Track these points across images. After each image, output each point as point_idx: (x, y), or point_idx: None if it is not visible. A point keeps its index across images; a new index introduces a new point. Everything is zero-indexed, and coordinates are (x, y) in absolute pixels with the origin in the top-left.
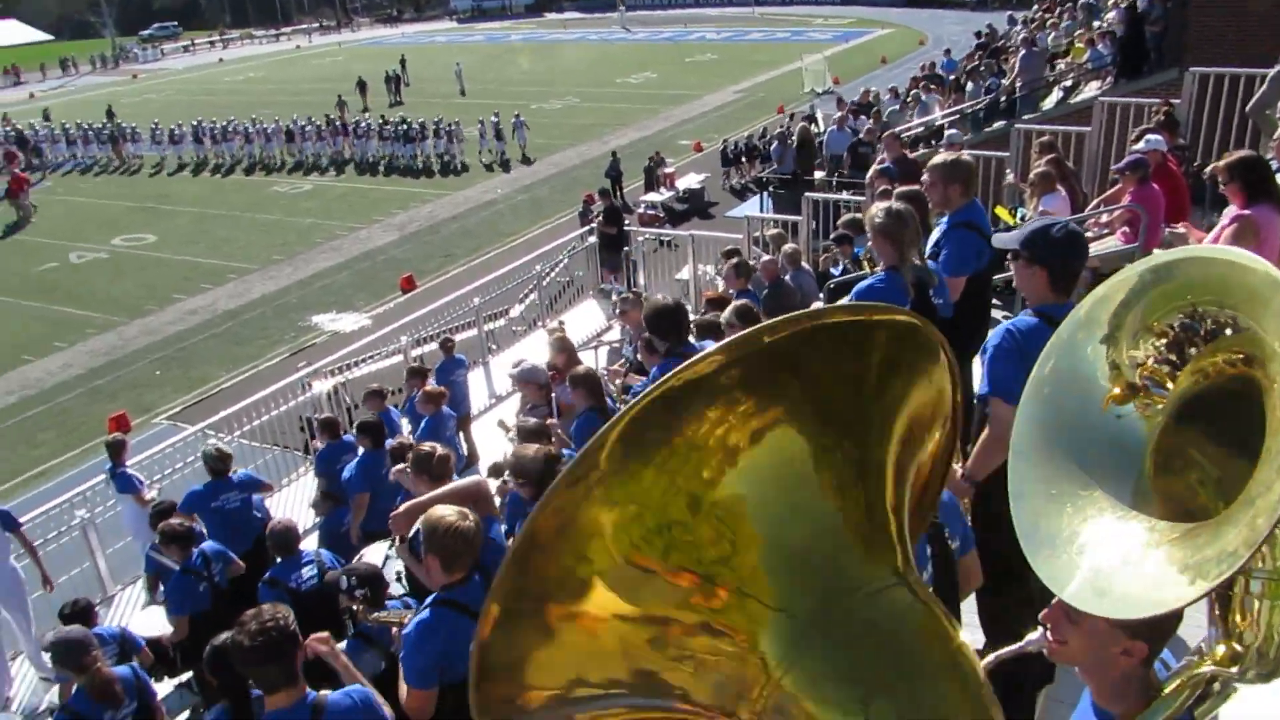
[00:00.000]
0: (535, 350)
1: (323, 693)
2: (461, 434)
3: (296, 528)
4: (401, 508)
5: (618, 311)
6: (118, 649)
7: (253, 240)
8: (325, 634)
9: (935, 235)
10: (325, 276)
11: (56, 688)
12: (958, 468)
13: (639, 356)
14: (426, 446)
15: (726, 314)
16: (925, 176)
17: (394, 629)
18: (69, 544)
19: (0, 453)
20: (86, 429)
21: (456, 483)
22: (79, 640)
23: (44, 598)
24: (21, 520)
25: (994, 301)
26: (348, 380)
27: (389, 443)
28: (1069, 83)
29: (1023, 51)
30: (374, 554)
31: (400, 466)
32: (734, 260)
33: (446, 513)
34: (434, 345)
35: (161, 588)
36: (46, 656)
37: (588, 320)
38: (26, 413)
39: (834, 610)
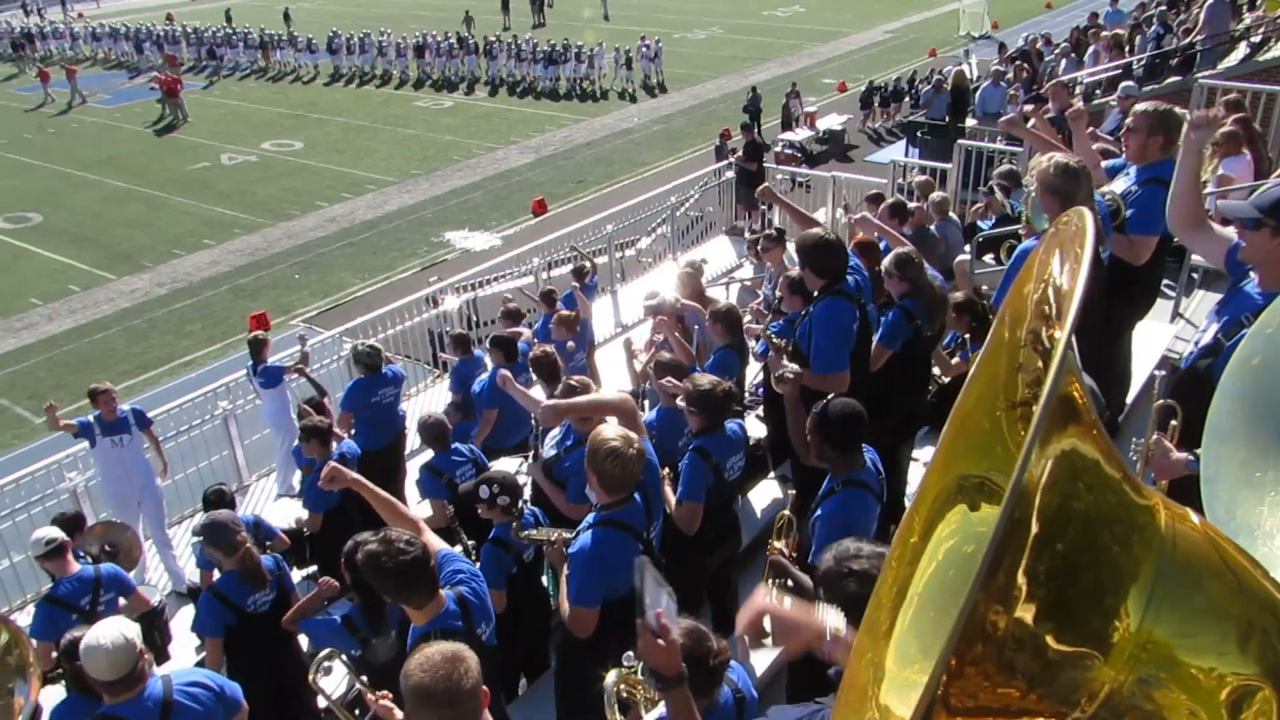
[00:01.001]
0: (662, 283)
1: (459, 589)
2: (586, 360)
3: (447, 422)
4: (561, 403)
5: (760, 249)
6: (252, 536)
7: (393, 153)
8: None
9: (1121, 186)
10: (460, 194)
11: (198, 571)
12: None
13: (779, 296)
14: (545, 348)
15: (886, 263)
16: (1130, 121)
17: (545, 545)
18: (210, 432)
19: (152, 341)
20: (229, 325)
21: (607, 394)
22: (227, 523)
23: (174, 493)
24: (167, 407)
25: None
26: (476, 298)
27: (523, 347)
28: (1257, 38)
29: (1210, 1)
30: (503, 469)
31: (504, 372)
32: (891, 201)
33: (611, 436)
34: (566, 269)
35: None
36: (178, 550)
37: (719, 257)
38: (175, 305)
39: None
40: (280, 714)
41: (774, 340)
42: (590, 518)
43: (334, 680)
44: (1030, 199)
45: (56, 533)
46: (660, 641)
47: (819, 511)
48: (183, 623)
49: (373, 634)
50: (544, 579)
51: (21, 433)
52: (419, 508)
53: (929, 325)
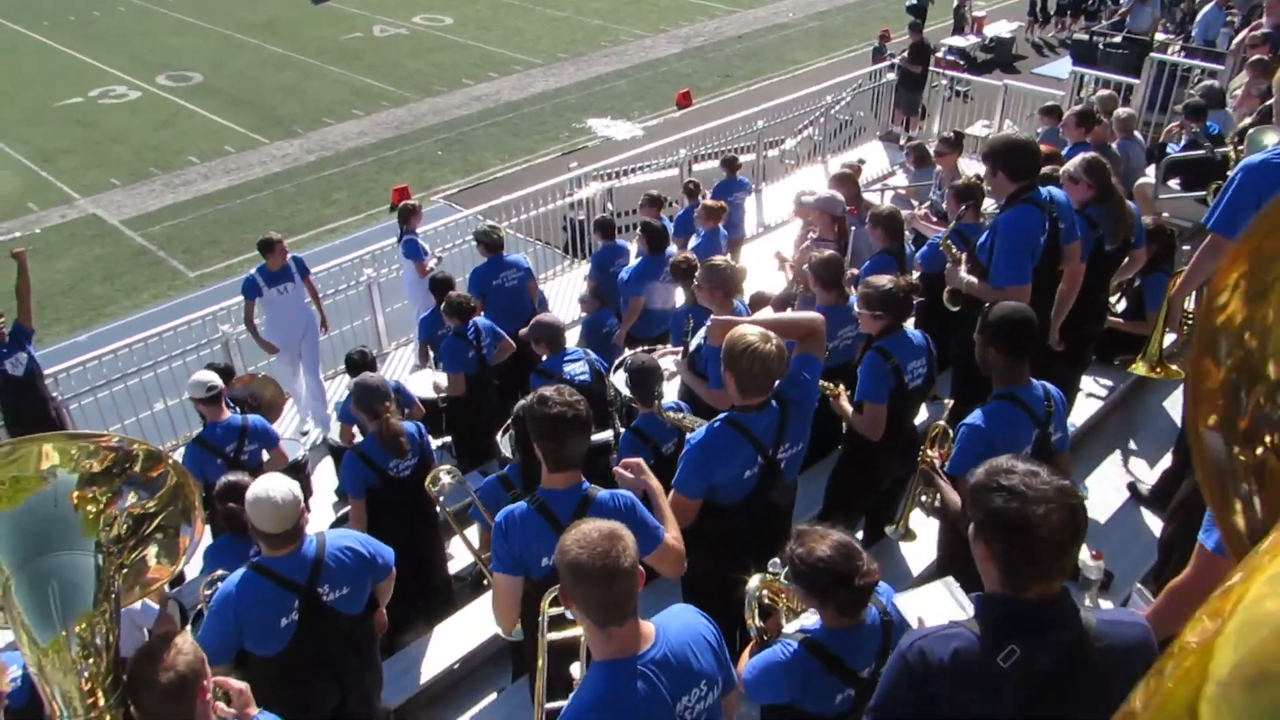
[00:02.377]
0: (809, 185)
1: (594, 487)
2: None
3: (563, 324)
4: (734, 321)
5: (935, 153)
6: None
7: (541, 34)
8: None
9: None
10: (605, 81)
11: (338, 426)
12: None
13: (945, 203)
14: (719, 260)
15: (1073, 167)
16: None
17: (687, 431)
18: (354, 297)
19: (299, 206)
20: (373, 195)
21: (798, 315)
22: (379, 388)
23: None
24: (314, 270)
25: None
26: (615, 187)
27: (670, 252)
28: None
29: None
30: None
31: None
32: (1077, 109)
33: (749, 333)
34: (713, 163)
35: (431, 354)
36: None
37: (871, 164)
38: (323, 172)
39: None
40: (416, 580)
41: (951, 248)
42: (721, 416)
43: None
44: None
45: (215, 379)
46: None
47: (965, 421)
48: (321, 478)
49: (524, 489)
50: None
51: (177, 285)
52: None
53: (1112, 238)
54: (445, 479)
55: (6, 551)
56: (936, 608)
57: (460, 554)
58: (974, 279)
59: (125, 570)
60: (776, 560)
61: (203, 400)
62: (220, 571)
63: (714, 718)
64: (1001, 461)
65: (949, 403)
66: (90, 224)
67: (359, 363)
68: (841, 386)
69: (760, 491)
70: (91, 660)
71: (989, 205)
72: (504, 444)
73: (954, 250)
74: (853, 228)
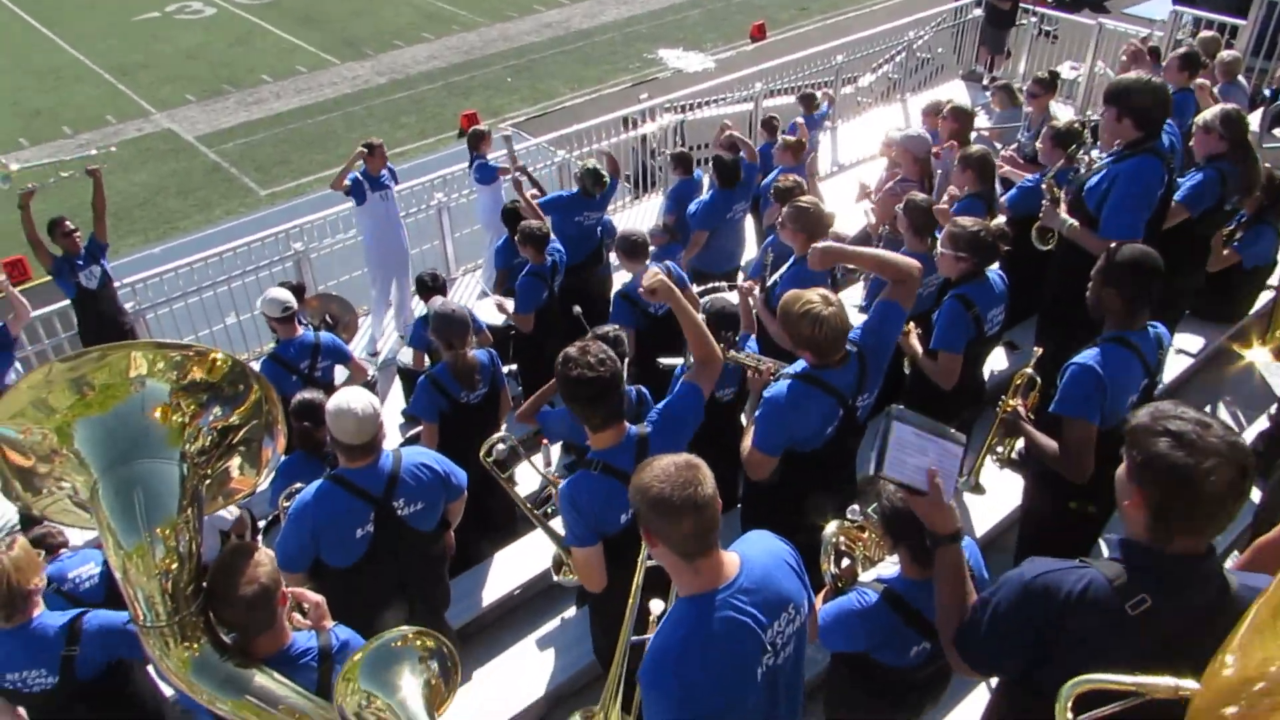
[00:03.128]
0: (886, 124)
1: (641, 427)
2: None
3: (646, 238)
4: (842, 248)
5: (1028, 94)
6: None
7: None
8: None
9: None
10: (677, 11)
11: (407, 350)
12: None
13: (1039, 145)
14: (806, 201)
15: (1209, 117)
16: None
17: (750, 372)
18: (424, 221)
19: (369, 129)
20: (441, 120)
21: (899, 256)
22: (459, 320)
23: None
24: None
25: None
26: (684, 120)
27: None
28: None
29: None
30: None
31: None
32: (1182, 51)
33: (807, 295)
34: (786, 99)
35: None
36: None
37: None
38: (392, 95)
39: None
40: (478, 507)
41: (1054, 188)
42: (798, 366)
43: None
44: None
45: (290, 299)
46: (933, 499)
47: (1077, 360)
48: (389, 399)
49: None
50: (741, 417)
51: (248, 202)
52: None
53: (1239, 195)
54: (500, 447)
55: (96, 455)
56: None
57: (526, 482)
58: (1076, 223)
59: (209, 481)
60: (855, 507)
61: (277, 319)
62: (299, 485)
63: (801, 642)
64: (1167, 407)
65: (1037, 350)
66: (165, 139)
67: (431, 286)
68: (912, 325)
69: (838, 441)
70: (174, 566)
71: (1091, 151)
72: None
73: (1056, 190)
74: (939, 170)
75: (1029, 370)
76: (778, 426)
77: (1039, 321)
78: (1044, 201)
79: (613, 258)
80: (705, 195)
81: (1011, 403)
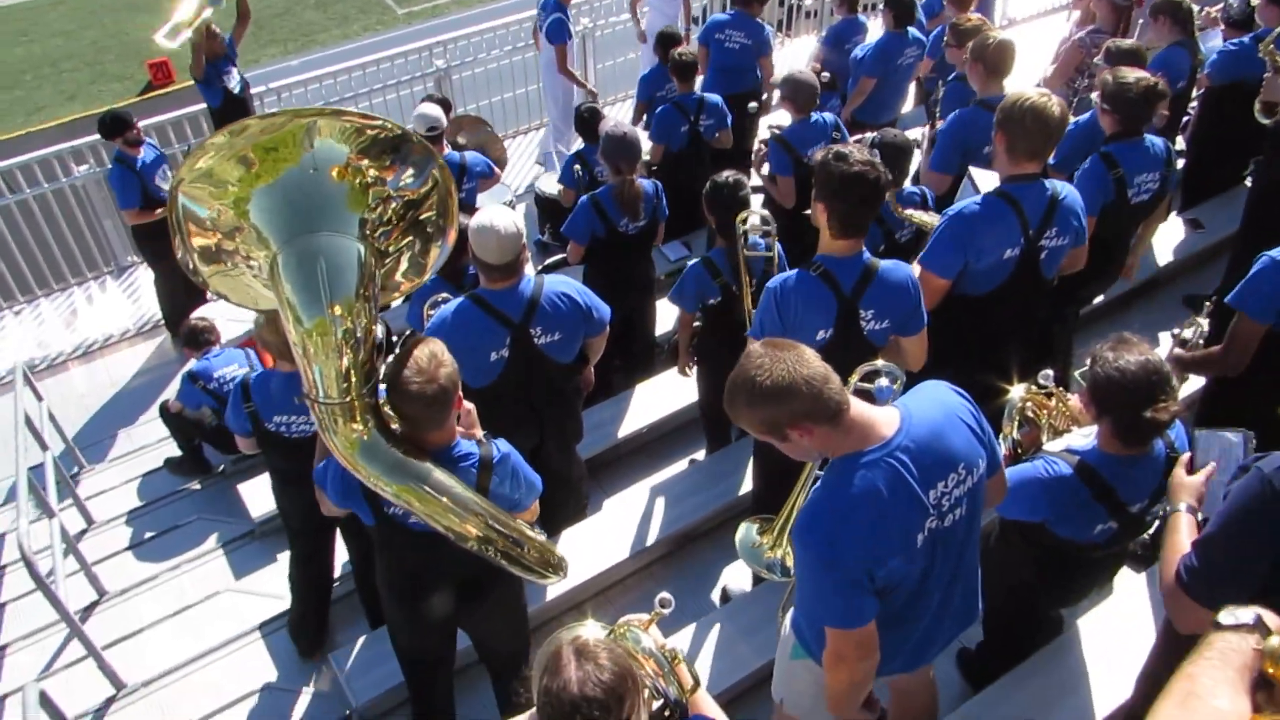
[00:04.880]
0: None
1: (875, 259)
2: None
3: (817, 84)
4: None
5: None
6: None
7: None
8: None
9: None
10: None
11: (549, 177)
12: None
13: (1255, 3)
14: (992, 34)
15: None
16: None
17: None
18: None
19: None
20: None
21: None
22: (633, 144)
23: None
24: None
25: None
26: None
27: (912, 32)
28: None
29: None
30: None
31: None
32: None
33: (1033, 93)
34: None
35: (645, 116)
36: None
37: None
38: None
39: None
40: (620, 339)
41: (1275, 54)
42: (978, 200)
43: None
44: None
45: (439, 115)
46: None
47: (1266, 253)
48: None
49: (733, 281)
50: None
51: (385, 19)
52: None
53: None
54: None
55: (276, 227)
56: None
57: (665, 319)
58: None
59: (384, 265)
60: (1049, 372)
61: (425, 136)
62: (443, 295)
63: (975, 503)
64: None
65: (1206, 310)
66: None
67: (589, 120)
68: None
69: (1016, 283)
70: (350, 347)
71: None
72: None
73: (1278, 56)
74: (1141, 20)
75: (1202, 321)
76: (953, 241)
77: (1247, 209)
78: (1265, 74)
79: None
80: (876, 38)
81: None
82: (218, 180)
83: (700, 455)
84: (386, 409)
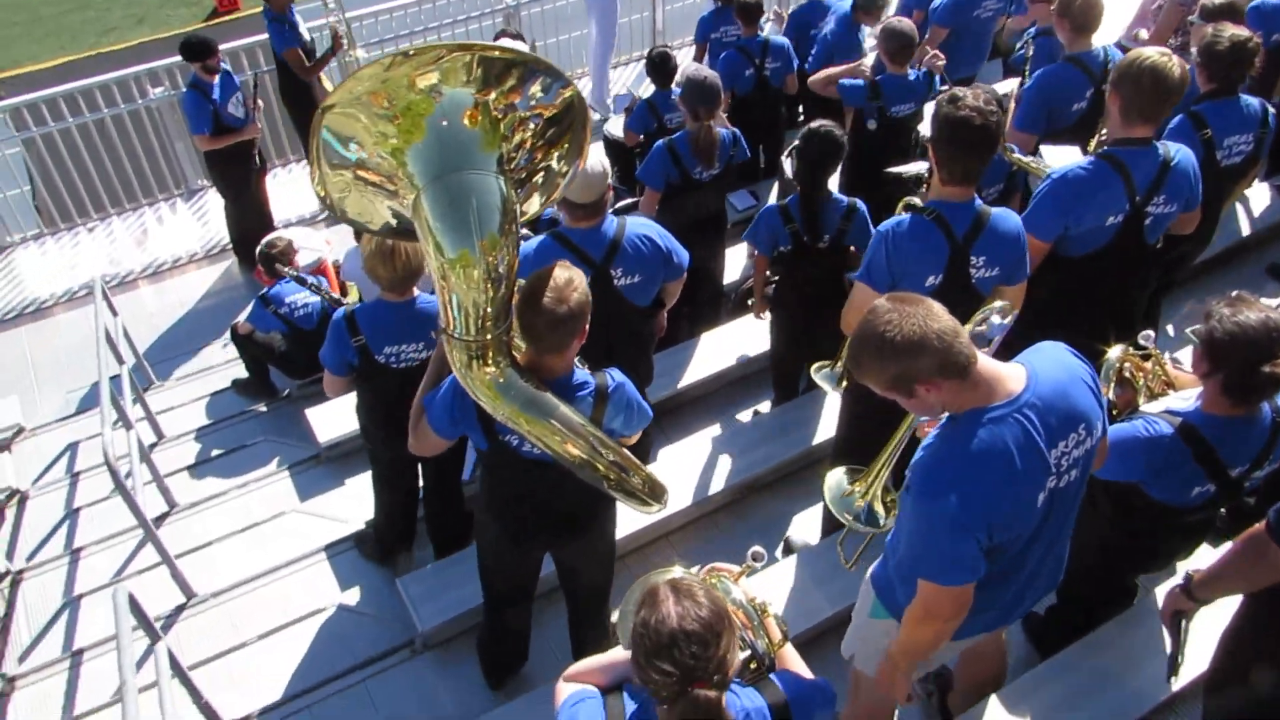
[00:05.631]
0: None
1: (986, 207)
2: None
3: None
4: None
5: None
6: None
7: None
8: None
9: None
10: None
11: (617, 120)
12: None
13: None
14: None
15: None
16: None
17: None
18: None
19: None
20: None
21: None
22: (713, 90)
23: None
24: None
25: None
26: None
27: None
28: None
29: None
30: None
31: None
32: None
33: (1151, 53)
34: None
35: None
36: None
37: None
38: None
39: None
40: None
41: None
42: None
43: None
44: None
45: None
46: None
47: None
48: None
49: (803, 227)
50: None
51: None
52: None
53: None
54: None
55: (422, 171)
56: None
57: (733, 268)
58: None
59: (520, 193)
60: (1150, 333)
61: None
62: (525, 230)
63: (1088, 465)
64: None
65: None
66: None
67: (660, 65)
68: None
69: (1118, 248)
70: (491, 283)
71: None
72: (787, 165)
73: None
74: None
75: None
76: (1056, 205)
77: None
78: None
79: None
80: None
81: None
82: (364, 113)
83: (764, 407)
84: (516, 338)
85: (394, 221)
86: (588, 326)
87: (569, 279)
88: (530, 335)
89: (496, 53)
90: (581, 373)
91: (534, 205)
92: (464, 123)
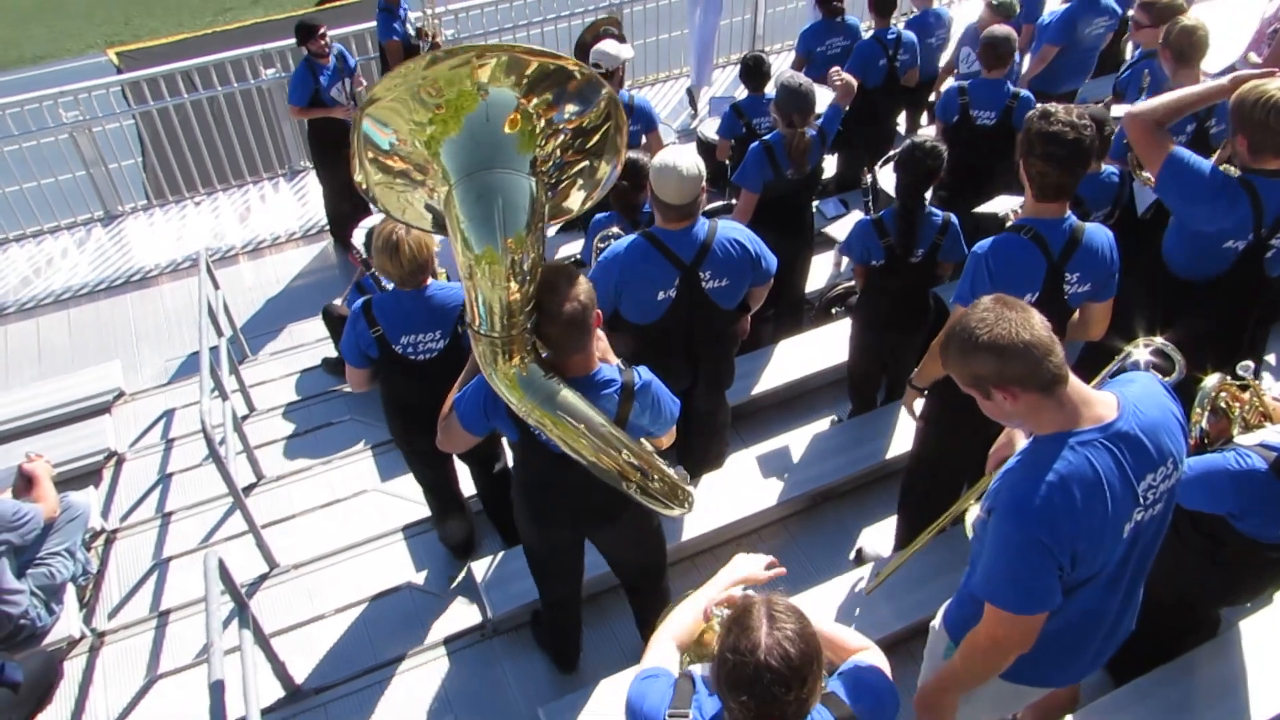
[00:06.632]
0: None
1: (1080, 223)
2: None
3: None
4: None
5: None
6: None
7: None
8: None
9: None
10: None
11: (711, 123)
12: None
13: None
14: (1190, 21)
15: None
16: None
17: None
18: None
19: None
20: None
21: None
22: (806, 97)
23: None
24: None
25: None
26: None
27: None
28: None
29: None
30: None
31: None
32: None
33: (1270, 85)
34: None
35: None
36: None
37: None
38: None
39: None
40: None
41: None
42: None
43: None
44: None
45: (620, 56)
46: None
47: None
48: None
49: (900, 243)
50: None
51: None
52: None
53: None
54: None
55: (455, 166)
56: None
57: (817, 275)
58: None
59: (551, 195)
60: (1249, 364)
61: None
62: (615, 230)
63: (1171, 500)
64: None
65: None
66: None
67: (753, 69)
68: None
69: (1233, 277)
70: (516, 280)
71: None
72: (880, 176)
73: None
74: None
75: None
76: (1189, 182)
77: None
78: None
79: None
80: (1065, 5)
81: None
82: (404, 107)
83: (841, 416)
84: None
85: (428, 215)
86: (596, 324)
87: (574, 278)
88: (550, 341)
89: (533, 57)
90: (609, 369)
91: (575, 203)
92: (501, 123)
